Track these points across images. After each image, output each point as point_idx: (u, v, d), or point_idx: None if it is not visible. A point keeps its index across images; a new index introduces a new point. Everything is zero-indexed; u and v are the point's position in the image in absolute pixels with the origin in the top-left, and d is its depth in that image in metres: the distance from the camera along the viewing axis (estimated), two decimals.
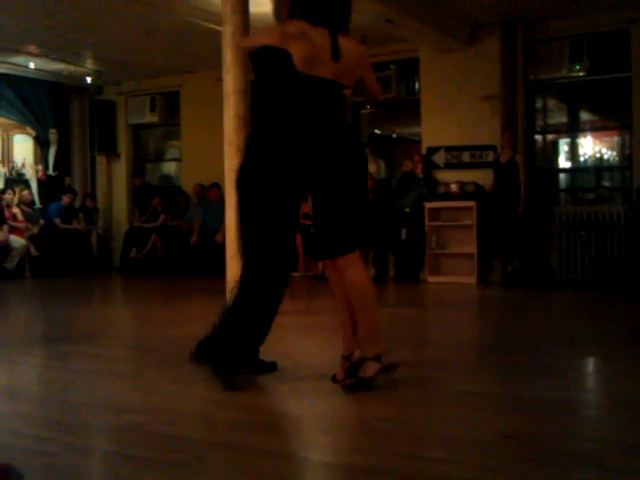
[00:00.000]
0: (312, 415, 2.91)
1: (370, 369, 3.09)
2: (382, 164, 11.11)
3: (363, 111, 10.42)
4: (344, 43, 3.11)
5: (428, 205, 8.89)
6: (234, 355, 3.26)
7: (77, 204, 11.32)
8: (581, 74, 8.54)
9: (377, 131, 11.06)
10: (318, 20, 3.05)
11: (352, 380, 3.12)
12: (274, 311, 3.47)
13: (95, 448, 2.53)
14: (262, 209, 3.19)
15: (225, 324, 3.29)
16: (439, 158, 9.19)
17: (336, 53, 3.05)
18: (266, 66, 3.13)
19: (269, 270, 3.30)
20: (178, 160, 12.11)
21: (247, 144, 3.33)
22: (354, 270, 3.14)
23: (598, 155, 9.21)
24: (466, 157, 8.99)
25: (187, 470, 2.23)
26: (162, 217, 10.95)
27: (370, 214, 3.28)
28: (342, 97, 3.17)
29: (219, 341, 3.22)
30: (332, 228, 3.15)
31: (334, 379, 3.26)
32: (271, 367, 3.57)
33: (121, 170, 12.15)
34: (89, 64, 10.72)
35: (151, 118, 11.54)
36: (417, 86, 9.64)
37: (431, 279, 8.76)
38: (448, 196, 8.89)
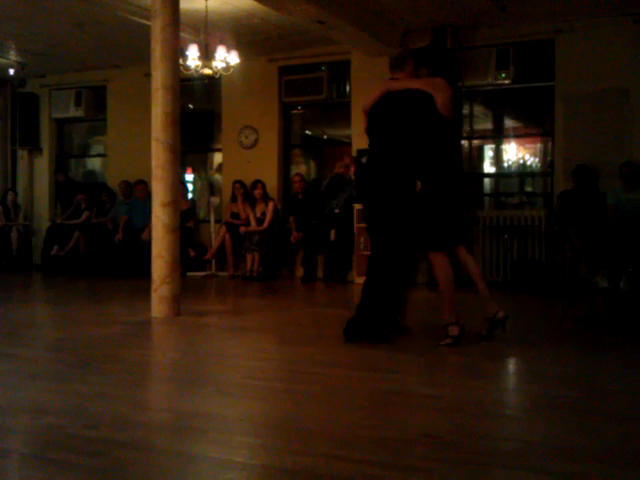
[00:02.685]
0: (236, 416, 2.88)
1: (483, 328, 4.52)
2: (312, 165, 11.14)
3: (294, 112, 10.43)
4: None
5: (357, 207, 8.95)
6: (379, 324, 4.36)
7: None
8: (506, 82, 8.74)
9: (308, 132, 11.08)
10: (442, 76, 4.44)
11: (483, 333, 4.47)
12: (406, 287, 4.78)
13: (12, 450, 2.44)
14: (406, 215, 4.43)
15: (367, 303, 4.35)
16: None
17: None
18: (413, 103, 4.37)
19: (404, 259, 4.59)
20: (103, 156, 11.85)
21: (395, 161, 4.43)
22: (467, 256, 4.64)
23: (521, 161, 9.47)
24: None
25: (105, 473, 2.17)
26: (85, 214, 10.69)
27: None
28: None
29: (365, 318, 4.31)
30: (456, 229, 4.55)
31: (479, 335, 4.47)
32: (407, 330, 4.69)
33: (43, 165, 11.80)
34: (12, 55, 10.38)
35: (76, 112, 11.24)
36: (348, 88, 9.71)
37: (359, 280, 8.80)
38: None
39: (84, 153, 12.51)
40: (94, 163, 12.41)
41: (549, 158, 9.02)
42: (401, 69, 4.49)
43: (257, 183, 9.65)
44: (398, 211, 4.39)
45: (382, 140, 4.52)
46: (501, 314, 4.44)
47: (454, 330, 4.29)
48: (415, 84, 4.40)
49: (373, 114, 4.57)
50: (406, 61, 4.50)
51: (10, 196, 11.07)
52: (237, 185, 9.85)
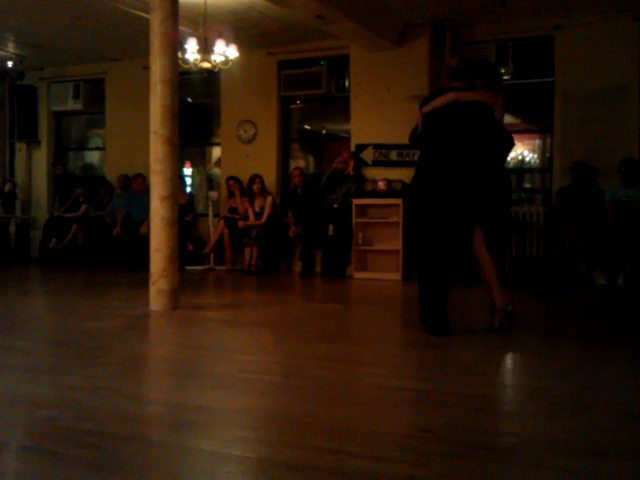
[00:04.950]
0: (233, 409, 2.88)
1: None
2: (311, 160, 11.13)
3: (293, 106, 10.42)
4: None
5: (355, 202, 8.96)
6: (434, 316, 4.44)
7: None
8: (506, 77, 8.72)
9: (307, 127, 11.07)
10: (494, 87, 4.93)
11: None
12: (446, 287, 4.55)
13: (7, 443, 2.44)
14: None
15: (436, 296, 4.47)
16: (367, 155, 9.27)
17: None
18: (477, 112, 4.68)
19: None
20: (102, 149, 11.83)
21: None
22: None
23: (520, 157, 9.46)
24: (394, 155, 9.09)
25: (101, 465, 2.17)
26: (84, 207, 10.68)
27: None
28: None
29: (426, 311, 4.50)
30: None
31: (491, 327, 4.59)
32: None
33: (42, 158, 11.79)
34: (11, 48, 10.36)
35: (74, 105, 11.23)
36: (347, 83, 9.70)
37: (357, 275, 8.82)
38: (375, 193, 8.98)
39: (82, 146, 12.50)
40: (92, 156, 12.39)
41: (548, 154, 9.02)
42: (461, 79, 4.79)
43: (256, 177, 9.63)
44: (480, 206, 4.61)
45: (452, 145, 4.63)
46: (510, 307, 4.63)
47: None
48: (484, 97, 4.73)
49: (438, 118, 4.68)
50: (465, 72, 4.81)
51: (8, 185, 11.05)
52: (231, 182, 9.85)
